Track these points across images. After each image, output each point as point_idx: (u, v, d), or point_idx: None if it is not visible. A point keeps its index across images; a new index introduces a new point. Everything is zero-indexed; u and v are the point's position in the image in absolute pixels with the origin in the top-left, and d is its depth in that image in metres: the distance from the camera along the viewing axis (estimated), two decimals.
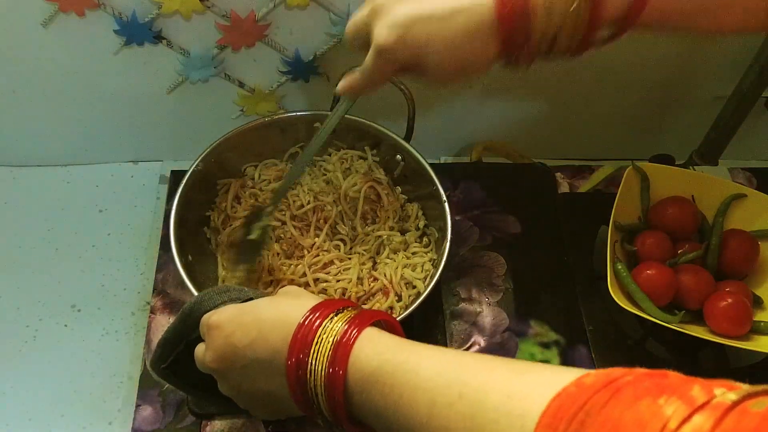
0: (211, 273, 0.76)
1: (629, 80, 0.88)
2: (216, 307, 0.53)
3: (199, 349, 0.52)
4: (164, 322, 0.74)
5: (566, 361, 0.75)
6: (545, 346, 0.76)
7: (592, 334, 0.77)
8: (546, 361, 0.74)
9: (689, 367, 0.75)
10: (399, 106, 0.77)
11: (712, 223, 0.81)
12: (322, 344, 0.44)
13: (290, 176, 0.72)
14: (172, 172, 0.88)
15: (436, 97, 0.87)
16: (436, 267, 0.70)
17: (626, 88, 0.89)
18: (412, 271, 0.75)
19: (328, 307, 0.46)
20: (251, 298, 0.54)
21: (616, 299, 0.70)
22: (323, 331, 0.44)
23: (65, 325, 0.76)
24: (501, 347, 0.76)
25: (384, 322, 0.48)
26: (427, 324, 0.77)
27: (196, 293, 0.65)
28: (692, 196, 0.81)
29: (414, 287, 0.74)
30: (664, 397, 0.31)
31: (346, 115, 0.80)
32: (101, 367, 0.73)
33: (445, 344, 0.75)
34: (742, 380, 0.76)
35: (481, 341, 0.76)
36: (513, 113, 0.92)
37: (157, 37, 0.75)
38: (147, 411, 0.69)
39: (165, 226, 0.81)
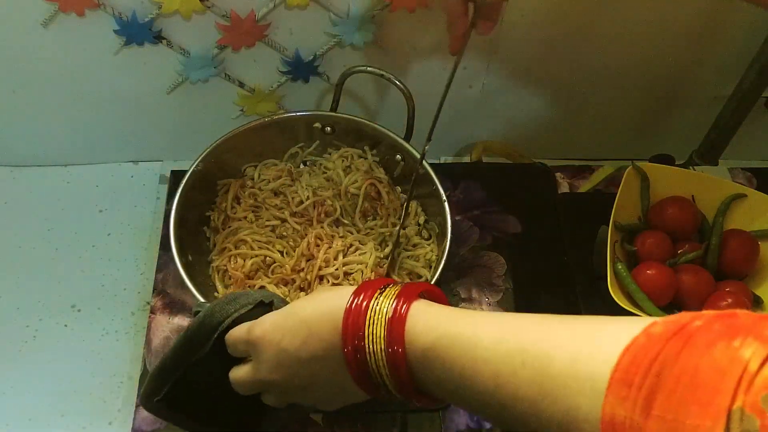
0: (211, 273, 0.76)
1: (629, 80, 0.88)
2: (230, 316, 0.52)
3: (242, 370, 0.50)
4: (164, 322, 0.74)
5: None
6: None
7: None
8: None
9: None
10: (399, 106, 0.77)
11: (712, 223, 0.81)
12: (374, 325, 0.43)
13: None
14: (172, 172, 0.88)
15: (436, 97, 0.87)
16: (436, 267, 0.70)
17: (626, 88, 0.89)
18: (415, 261, 0.75)
19: (370, 288, 0.45)
20: (262, 302, 0.53)
21: (616, 299, 0.70)
22: (372, 312, 0.44)
23: (65, 325, 0.76)
24: None
25: (428, 293, 0.47)
26: None
27: (196, 293, 0.65)
28: (692, 196, 0.81)
29: (420, 276, 0.74)
30: (739, 339, 0.30)
31: (347, 116, 0.81)
32: (101, 367, 0.73)
33: None
34: None
35: None
36: (513, 113, 0.92)
37: (157, 37, 0.75)
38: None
39: (165, 226, 0.81)
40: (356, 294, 0.45)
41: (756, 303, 0.75)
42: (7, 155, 0.89)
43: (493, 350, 0.39)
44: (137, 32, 0.74)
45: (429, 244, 0.77)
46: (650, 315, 0.71)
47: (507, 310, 0.78)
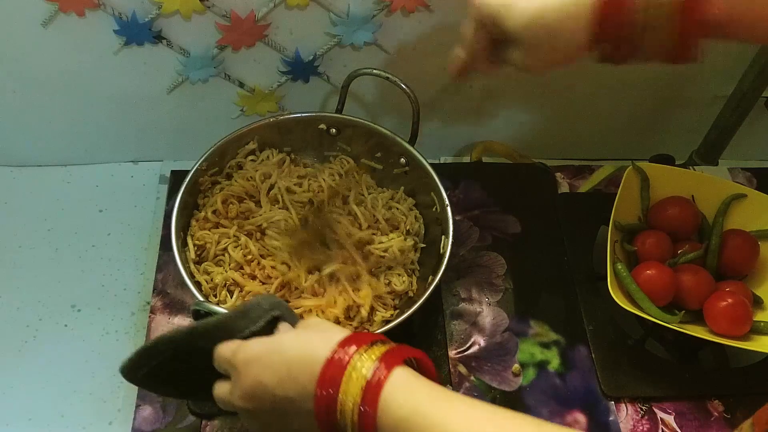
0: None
1: (629, 80, 0.88)
2: (240, 331, 0.51)
3: (223, 388, 0.51)
4: (164, 322, 0.74)
5: (566, 360, 0.75)
6: (545, 346, 0.76)
7: (592, 334, 0.77)
8: (546, 362, 0.75)
9: (689, 367, 0.76)
10: (401, 109, 0.77)
11: (712, 223, 0.81)
12: (351, 383, 0.43)
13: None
14: (172, 172, 0.88)
15: (437, 98, 0.87)
16: (437, 267, 0.70)
17: (626, 88, 0.89)
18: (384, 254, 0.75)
19: (356, 342, 0.45)
20: (275, 317, 0.52)
21: (616, 299, 0.70)
22: (352, 368, 0.43)
23: (65, 325, 0.76)
24: (501, 347, 0.75)
25: (416, 360, 0.47)
26: (427, 324, 0.77)
27: (196, 293, 0.65)
28: (692, 196, 0.81)
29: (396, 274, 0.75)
30: None
31: (353, 118, 0.80)
32: (101, 367, 0.73)
33: (444, 344, 0.75)
34: (741, 381, 0.76)
35: (481, 341, 0.76)
36: (513, 113, 0.92)
37: (157, 37, 0.75)
38: (147, 411, 0.69)
39: (165, 226, 0.81)
40: (341, 345, 0.45)
41: (756, 303, 0.76)
42: (7, 155, 0.89)
43: None
44: (137, 32, 0.74)
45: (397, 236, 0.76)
46: (650, 315, 0.72)
47: (507, 310, 0.78)
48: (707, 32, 0.49)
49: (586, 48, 0.52)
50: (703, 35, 0.49)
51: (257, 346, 0.48)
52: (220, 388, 0.51)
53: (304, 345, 0.47)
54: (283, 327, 0.52)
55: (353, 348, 0.44)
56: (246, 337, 0.51)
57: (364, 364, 0.43)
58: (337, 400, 0.43)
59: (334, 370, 0.44)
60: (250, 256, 0.72)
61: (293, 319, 0.53)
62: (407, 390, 0.43)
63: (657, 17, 0.47)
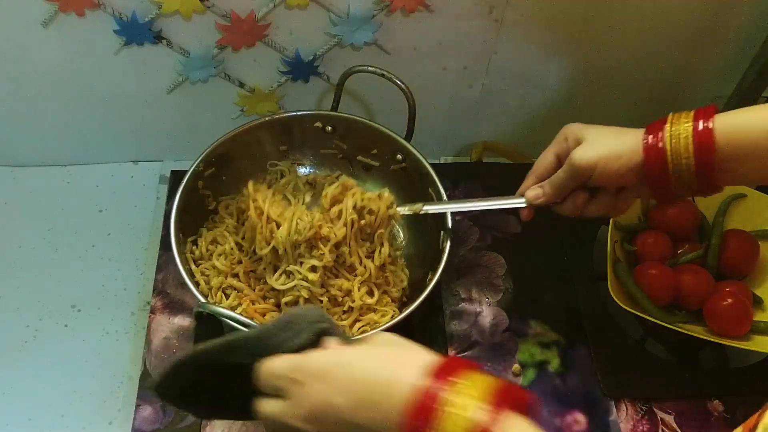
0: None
1: (630, 80, 0.88)
2: (280, 345, 0.46)
3: (273, 407, 0.45)
4: (164, 322, 0.74)
5: (566, 360, 0.75)
6: (545, 346, 0.76)
7: (592, 334, 0.77)
8: (546, 362, 0.75)
9: (689, 367, 0.76)
10: (399, 106, 0.77)
11: (712, 223, 0.81)
12: (450, 422, 0.38)
13: None
14: (172, 172, 0.88)
15: (437, 98, 0.87)
16: (435, 268, 0.70)
17: (627, 89, 0.89)
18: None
19: (447, 372, 0.40)
20: (324, 330, 0.47)
21: (616, 299, 0.70)
22: (450, 404, 0.39)
23: (65, 325, 0.76)
24: (501, 347, 0.75)
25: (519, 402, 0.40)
26: (427, 324, 0.77)
27: (196, 293, 0.65)
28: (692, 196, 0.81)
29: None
30: None
31: (348, 115, 0.80)
32: (101, 367, 0.73)
33: (444, 344, 0.75)
34: (741, 381, 0.76)
35: (481, 341, 0.76)
36: (513, 113, 0.92)
37: (157, 37, 0.75)
38: (147, 411, 0.69)
39: (165, 226, 0.81)
40: (434, 373, 0.40)
41: (756, 303, 0.75)
42: (7, 155, 0.89)
43: None
44: (137, 32, 0.74)
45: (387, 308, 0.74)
46: (650, 315, 0.72)
47: (507, 310, 0.78)
48: (719, 176, 0.57)
49: (637, 184, 0.61)
50: (717, 177, 0.57)
51: (323, 359, 0.44)
52: (269, 406, 0.45)
53: (383, 365, 0.42)
54: (332, 342, 0.47)
55: (445, 379, 0.40)
56: (292, 352, 0.46)
57: (465, 401, 0.39)
58: None
59: (426, 401, 0.39)
60: (236, 269, 0.72)
61: (339, 333, 0.48)
62: None
63: (680, 166, 0.57)
